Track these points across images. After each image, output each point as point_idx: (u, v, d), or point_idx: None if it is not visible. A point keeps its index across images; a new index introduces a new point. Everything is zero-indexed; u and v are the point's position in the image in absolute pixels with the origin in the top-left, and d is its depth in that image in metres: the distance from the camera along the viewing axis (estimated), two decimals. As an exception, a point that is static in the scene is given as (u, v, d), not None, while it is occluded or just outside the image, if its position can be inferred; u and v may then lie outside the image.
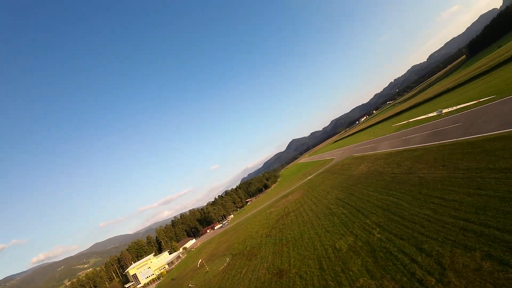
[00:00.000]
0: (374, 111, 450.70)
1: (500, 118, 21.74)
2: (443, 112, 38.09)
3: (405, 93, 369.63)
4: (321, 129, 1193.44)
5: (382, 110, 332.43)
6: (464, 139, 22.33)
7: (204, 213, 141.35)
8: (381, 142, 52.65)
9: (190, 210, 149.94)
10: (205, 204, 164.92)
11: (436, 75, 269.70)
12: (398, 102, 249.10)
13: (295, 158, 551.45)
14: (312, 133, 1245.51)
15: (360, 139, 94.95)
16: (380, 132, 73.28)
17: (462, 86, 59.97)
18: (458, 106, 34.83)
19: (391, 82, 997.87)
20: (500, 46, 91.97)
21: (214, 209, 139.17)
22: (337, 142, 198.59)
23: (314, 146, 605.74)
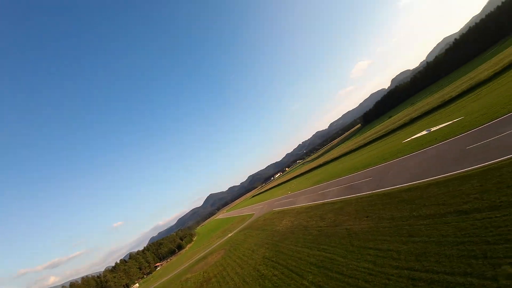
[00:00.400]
0: (286, 168, 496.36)
1: (409, 171, 25.32)
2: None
3: (311, 154, 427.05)
4: (238, 184, 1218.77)
5: (294, 167, 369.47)
6: (380, 191, 24.82)
7: (101, 281, 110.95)
8: (298, 197, 55.26)
9: (83, 277, 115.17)
10: (103, 269, 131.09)
11: (336, 140, 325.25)
12: (307, 161, 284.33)
13: (212, 213, 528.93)
14: (230, 188, 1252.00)
15: (277, 194, 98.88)
16: (296, 187, 78.16)
17: (363, 148, 72.01)
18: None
19: (300, 144, 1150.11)
20: (390, 116, 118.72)
21: (114, 276, 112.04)
22: (255, 196, 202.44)
23: (232, 200, 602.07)
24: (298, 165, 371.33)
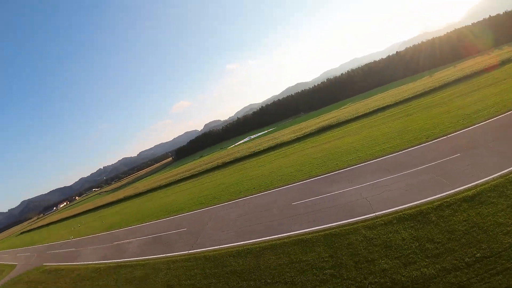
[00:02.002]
0: (77, 197, 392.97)
1: (234, 224, 21.91)
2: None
3: (113, 182, 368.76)
4: (5, 210, 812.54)
5: (87, 196, 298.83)
6: (199, 252, 19.47)
7: None
8: (85, 246, 39.08)
9: None
10: None
11: (145, 170, 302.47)
12: (105, 191, 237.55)
13: None
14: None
15: (56, 234, 69.48)
16: (83, 229, 57.75)
17: (175, 184, 65.86)
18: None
19: (100, 169, 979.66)
20: (201, 156, 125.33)
21: None
22: (25, 233, 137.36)
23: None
24: (93, 194, 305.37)
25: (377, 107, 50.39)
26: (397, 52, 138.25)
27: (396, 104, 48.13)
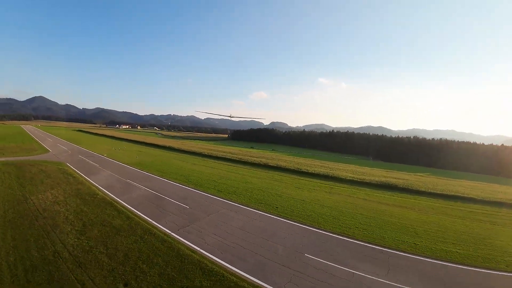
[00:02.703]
0: (139, 127, 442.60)
1: None
2: None
3: (172, 130, 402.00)
4: (81, 108, 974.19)
5: (147, 131, 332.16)
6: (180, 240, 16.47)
7: None
8: (106, 168, 40.50)
9: None
10: None
11: (202, 134, 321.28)
12: (162, 134, 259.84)
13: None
14: (68, 105, 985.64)
15: (99, 146, 76.98)
16: (119, 154, 61.44)
17: None
18: None
19: (170, 115, 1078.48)
20: (252, 147, 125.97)
21: None
22: (80, 132, 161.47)
23: (60, 119, 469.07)
24: (152, 131, 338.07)
25: (459, 194, 39.77)
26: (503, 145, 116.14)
27: (482, 202, 36.89)
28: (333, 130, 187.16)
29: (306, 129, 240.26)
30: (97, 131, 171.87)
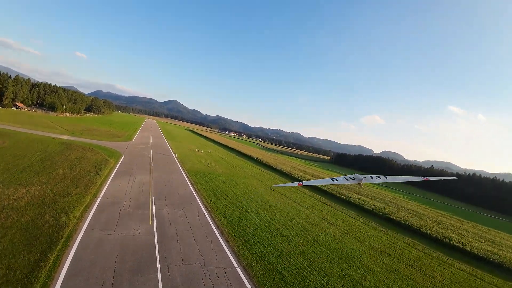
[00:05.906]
0: (244, 136, 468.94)
1: None
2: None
3: (273, 144, 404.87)
4: (204, 114, 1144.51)
5: (250, 140, 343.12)
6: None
7: None
8: (169, 166, 30.25)
9: None
10: None
11: (303, 152, 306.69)
12: (261, 145, 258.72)
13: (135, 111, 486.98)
14: (195, 111, 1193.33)
15: (187, 145, 73.30)
16: (199, 156, 53.07)
17: None
18: None
19: (277, 129, 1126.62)
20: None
21: None
22: (189, 131, 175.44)
23: (176, 118, 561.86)
24: (254, 141, 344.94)
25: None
26: None
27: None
28: (466, 173, 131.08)
29: (425, 165, 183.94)
30: (203, 133, 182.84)
